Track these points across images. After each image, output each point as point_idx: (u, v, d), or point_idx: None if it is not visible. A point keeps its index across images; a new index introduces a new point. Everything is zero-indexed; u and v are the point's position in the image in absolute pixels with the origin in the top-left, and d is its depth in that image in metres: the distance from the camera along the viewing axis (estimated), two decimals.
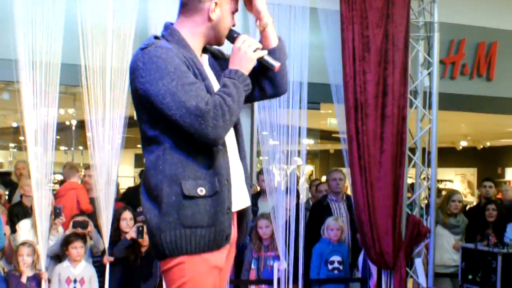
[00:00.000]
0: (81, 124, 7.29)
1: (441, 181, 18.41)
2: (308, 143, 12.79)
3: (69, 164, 9.58)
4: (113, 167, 6.65)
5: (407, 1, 6.66)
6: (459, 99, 9.53)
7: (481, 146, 19.23)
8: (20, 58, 6.35)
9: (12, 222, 7.10)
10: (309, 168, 20.68)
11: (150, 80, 2.66)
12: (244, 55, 2.83)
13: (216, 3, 2.85)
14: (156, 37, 2.84)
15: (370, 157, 6.60)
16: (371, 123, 6.59)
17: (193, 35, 2.88)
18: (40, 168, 6.38)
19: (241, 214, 3.01)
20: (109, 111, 6.64)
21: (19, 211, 7.28)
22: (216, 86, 2.83)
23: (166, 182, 2.72)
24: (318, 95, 7.73)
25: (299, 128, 7.15)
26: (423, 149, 7.25)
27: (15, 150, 18.41)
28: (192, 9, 2.87)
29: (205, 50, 3.00)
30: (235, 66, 2.81)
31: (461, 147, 18.86)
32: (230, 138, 2.90)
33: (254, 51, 2.85)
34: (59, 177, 11.52)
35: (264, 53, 2.90)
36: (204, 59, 2.98)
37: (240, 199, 2.93)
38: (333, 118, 9.75)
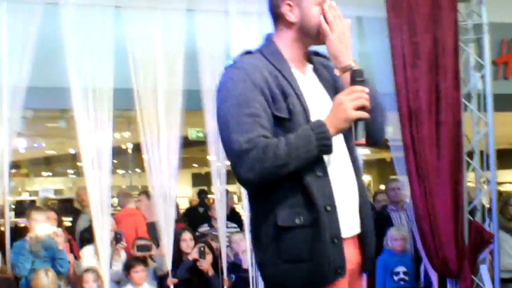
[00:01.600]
0: (137, 147, 7.35)
1: (503, 183, 18.10)
2: (364, 152, 12.69)
3: (122, 191, 9.69)
4: (171, 188, 6.70)
5: (454, 4, 6.58)
6: None
7: None
8: (73, 86, 6.45)
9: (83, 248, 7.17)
10: (366, 178, 20.53)
11: (219, 102, 2.54)
12: (342, 113, 2.47)
13: (289, 4, 2.65)
14: (247, 52, 2.65)
15: (428, 164, 6.52)
16: (426, 130, 6.51)
17: (286, 44, 2.68)
18: (99, 193, 6.45)
19: (361, 238, 2.70)
20: (164, 133, 6.71)
21: (90, 237, 7.35)
22: (317, 99, 2.64)
23: (261, 212, 2.56)
24: None
25: None
26: (481, 152, 7.13)
27: (74, 176, 18.70)
28: (276, 17, 2.71)
29: (310, 60, 2.77)
30: (327, 120, 2.48)
31: None
32: (337, 159, 2.61)
33: (358, 109, 2.47)
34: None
35: (364, 116, 2.49)
36: (308, 70, 2.74)
37: (353, 224, 2.64)
38: (388, 126, 9.67)
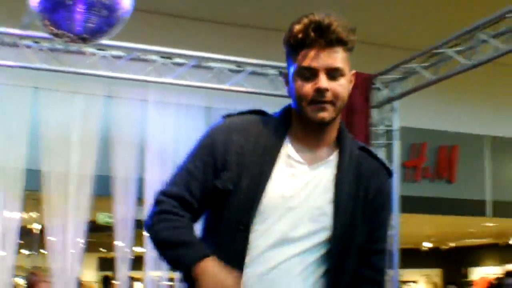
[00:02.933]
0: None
1: (406, 282, 18.34)
2: None
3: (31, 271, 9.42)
4: (73, 271, 6.62)
5: (367, 110, 6.78)
6: (422, 202, 9.63)
7: (445, 247, 19.28)
8: None
9: None
10: None
11: None
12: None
13: (283, 73, 2.33)
14: (258, 112, 2.31)
15: None
16: None
17: (294, 118, 2.21)
18: (2, 272, 6.33)
19: None
20: (72, 216, 6.64)
21: None
22: (300, 194, 2.15)
23: None
24: None
25: None
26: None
27: None
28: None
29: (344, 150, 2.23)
30: (210, 269, 2.05)
31: (425, 248, 18.88)
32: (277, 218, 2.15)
33: None
34: (20, 281, 11.32)
35: None
36: (324, 159, 2.20)
37: None
38: None
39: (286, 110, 2.25)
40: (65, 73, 6.12)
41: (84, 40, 4.11)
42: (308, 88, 2.10)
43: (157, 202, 2.18)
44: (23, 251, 14.83)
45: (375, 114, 7.12)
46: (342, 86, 2.12)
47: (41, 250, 14.45)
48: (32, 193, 9.22)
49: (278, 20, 8.36)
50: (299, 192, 2.17)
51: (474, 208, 10.12)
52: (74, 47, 5.85)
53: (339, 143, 2.25)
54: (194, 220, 2.21)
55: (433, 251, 19.13)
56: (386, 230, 2.35)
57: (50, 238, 6.70)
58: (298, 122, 2.21)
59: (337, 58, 2.11)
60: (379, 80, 7.03)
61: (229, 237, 2.15)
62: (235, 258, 2.12)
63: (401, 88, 6.92)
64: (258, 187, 2.14)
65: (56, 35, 4.20)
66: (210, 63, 6.62)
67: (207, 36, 7.88)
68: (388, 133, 7.27)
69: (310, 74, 2.11)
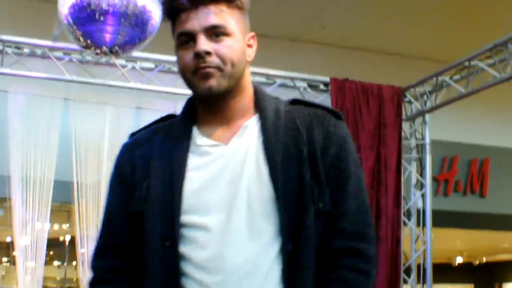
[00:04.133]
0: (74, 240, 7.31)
1: None
2: None
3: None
4: None
5: (398, 123, 6.72)
6: (454, 216, 9.52)
7: (477, 262, 19.08)
8: (13, 174, 6.39)
9: None
10: None
11: None
12: None
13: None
14: (166, 117, 2.02)
15: None
16: None
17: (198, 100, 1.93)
18: (31, 283, 6.36)
19: None
20: None
21: None
22: (225, 178, 1.80)
23: None
24: None
25: None
26: (418, 266, 7.16)
27: (8, 264, 18.30)
28: None
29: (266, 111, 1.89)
30: None
31: (457, 263, 18.70)
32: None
33: None
34: None
35: None
36: (240, 131, 1.85)
37: None
38: None
39: (190, 100, 1.94)
40: (95, 85, 6.15)
41: (114, 53, 4.12)
42: (188, 56, 1.80)
43: (91, 268, 1.94)
44: (54, 262, 14.98)
45: (405, 127, 7.07)
46: (230, 48, 1.80)
47: (72, 262, 14.59)
48: (63, 205, 9.29)
49: (305, 32, 8.41)
50: (218, 180, 1.80)
51: (507, 222, 9.99)
52: (104, 59, 5.87)
53: (257, 106, 1.90)
54: (131, 269, 1.87)
55: (465, 266, 18.94)
56: (354, 189, 1.85)
57: (81, 249, 6.71)
58: (200, 106, 1.90)
59: (216, 14, 1.79)
60: (409, 93, 6.98)
61: (157, 260, 1.79)
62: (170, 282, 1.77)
63: (432, 101, 6.86)
64: (173, 193, 1.78)
65: (86, 47, 4.21)
66: None
67: None
68: (419, 147, 7.21)
69: (188, 39, 1.81)
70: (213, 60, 1.77)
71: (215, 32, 1.79)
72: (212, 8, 1.80)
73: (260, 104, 1.89)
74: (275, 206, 1.75)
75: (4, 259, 18.38)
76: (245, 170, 1.79)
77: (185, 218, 1.77)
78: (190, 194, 1.79)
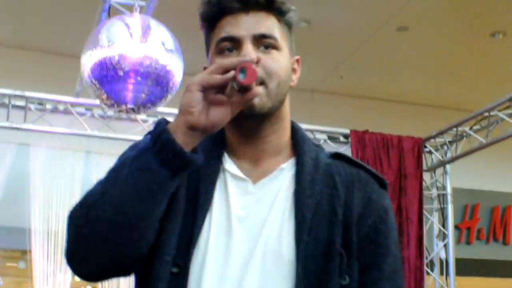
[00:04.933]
0: None
1: None
2: None
3: None
4: None
5: (419, 174, 6.71)
6: (477, 264, 9.42)
7: None
8: (34, 227, 6.44)
9: None
10: None
11: None
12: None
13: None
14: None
15: None
16: None
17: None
18: None
19: None
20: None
21: None
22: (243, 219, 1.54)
23: None
24: None
25: None
26: None
27: None
28: None
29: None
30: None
31: None
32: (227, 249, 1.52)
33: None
34: None
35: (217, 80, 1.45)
36: (272, 174, 1.58)
37: None
38: None
39: None
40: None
41: (136, 111, 4.16)
42: None
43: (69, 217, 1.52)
44: None
45: (426, 177, 7.05)
46: (278, 63, 1.55)
47: None
48: None
49: (323, 83, 8.45)
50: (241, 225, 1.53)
51: None
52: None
53: (295, 148, 1.63)
54: None
55: None
56: (390, 270, 1.56)
57: None
58: (230, 131, 1.61)
59: (267, 23, 1.56)
60: (430, 143, 6.98)
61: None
62: None
63: (452, 151, 6.85)
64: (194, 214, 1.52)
65: (107, 105, 4.25)
66: None
67: None
68: (440, 197, 7.18)
69: (231, 46, 1.54)
70: (259, 72, 1.47)
71: (265, 43, 1.55)
72: (264, 16, 1.57)
73: (299, 146, 1.62)
74: (293, 269, 1.47)
75: None
76: (268, 221, 1.51)
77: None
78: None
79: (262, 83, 1.50)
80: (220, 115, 1.45)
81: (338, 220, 1.52)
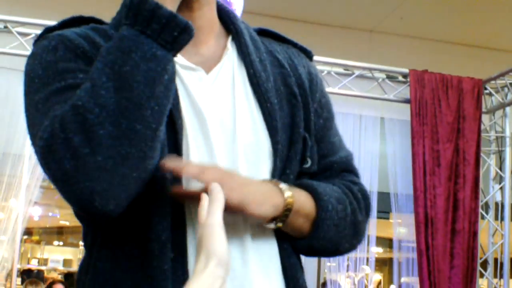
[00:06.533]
0: None
1: None
2: (376, 251, 12.71)
3: None
4: None
5: (478, 116, 6.64)
6: None
7: None
8: None
9: None
10: (377, 277, 20.31)
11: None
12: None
13: None
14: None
15: (440, 272, 6.47)
16: (441, 238, 6.48)
17: None
18: None
19: None
20: None
21: None
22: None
23: None
24: (387, 204, 7.68)
25: (368, 236, 7.18)
26: (495, 260, 7.09)
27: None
28: None
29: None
30: None
31: None
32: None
33: None
34: None
35: None
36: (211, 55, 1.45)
37: None
38: (403, 227, 9.76)
39: None
40: None
41: None
42: None
43: (46, 138, 1.22)
44: None
45: (485, 120, 6.98)
46: None
47: None
48: None
49: (383, 23, 8.35)
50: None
51: None
52: None
53: (227, 25, 1.48)
54: None
55: None
56: (339, 140, 1.56)
57: None
58: None
59: None
60: (490, 85, 6.88)
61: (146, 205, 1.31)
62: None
63: None
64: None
65: None
66: (318, 66, 6.61)
67: (313, 39, 7.88)
68: (499, 140, 7.11)
69: None
70: None
71: None
72: None
73: (232, 22, 1.48)
74: (270, 157, 1.40)
75: (81, 242, 18.99)
76: (237, 113, 1.39)
77: None
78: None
79: None
80: None
81: (298, 101, 1.46)
